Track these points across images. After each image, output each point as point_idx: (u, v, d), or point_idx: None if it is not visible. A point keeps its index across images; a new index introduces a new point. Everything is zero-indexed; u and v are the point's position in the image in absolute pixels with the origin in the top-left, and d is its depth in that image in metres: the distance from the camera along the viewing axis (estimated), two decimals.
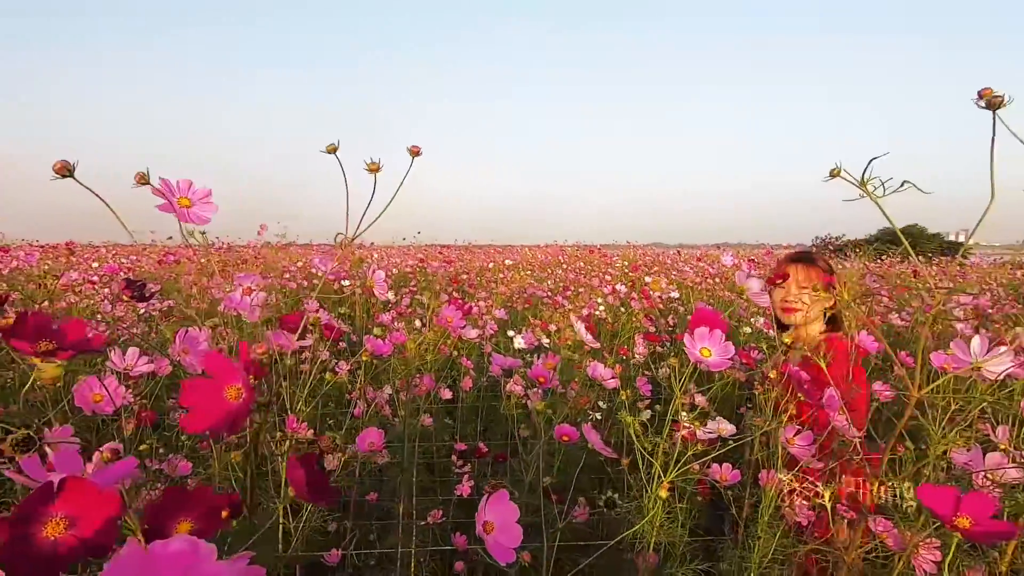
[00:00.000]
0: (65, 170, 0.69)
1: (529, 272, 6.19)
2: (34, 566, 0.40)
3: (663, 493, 0.85)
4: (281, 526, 0.95)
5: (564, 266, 6.75)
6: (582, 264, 6.66)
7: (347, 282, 4.59)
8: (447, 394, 2.38)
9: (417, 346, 1.52)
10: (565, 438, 0.97)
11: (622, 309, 3.94)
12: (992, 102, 0.60)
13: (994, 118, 0.61)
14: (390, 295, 4.44)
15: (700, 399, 2.23)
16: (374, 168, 0.64)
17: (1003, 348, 0.81)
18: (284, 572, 0.98)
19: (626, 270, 5.41)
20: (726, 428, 1.13)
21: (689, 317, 0.86)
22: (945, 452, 1.03)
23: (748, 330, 2.94)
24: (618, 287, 4.07)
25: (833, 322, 1.81)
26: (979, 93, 0.60)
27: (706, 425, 1.12)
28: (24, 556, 0.40)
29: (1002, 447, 1.00)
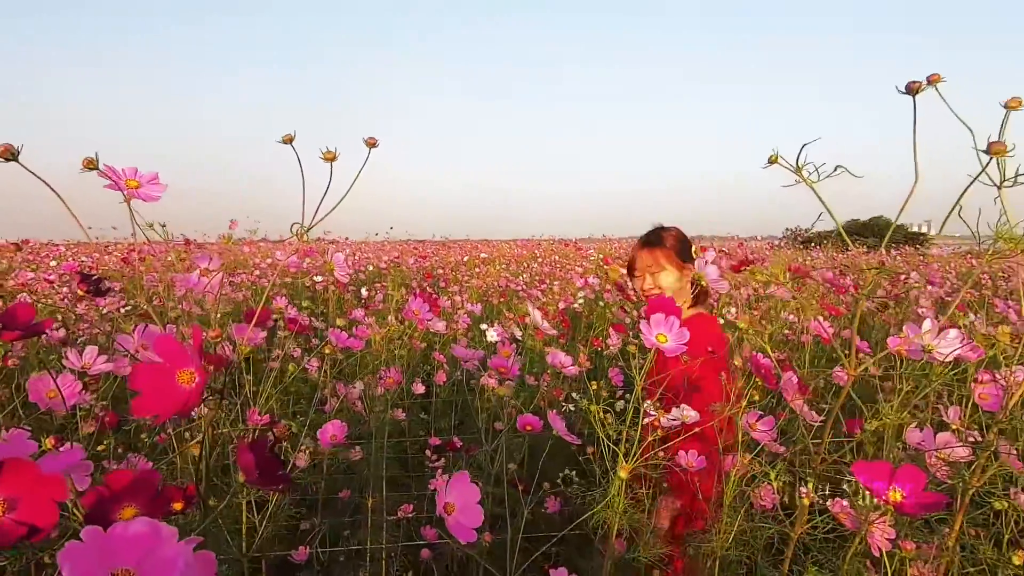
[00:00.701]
0: (8, 153, 0.66)
1: (504, 266, 6.19)
2: None
3: (622, 474, 0.85)
4: (246, 522, 0.93)
5: (539, 260, 6.77)
6: (557, 258, 6.68)
7: (319, 277, 4.53)
8: (420, 388, 2.36)
9: (383, 339, 1.51)
10: (528, 427, 0.98)
11: (599, 303, 3.96)
12: (911, 87, 0.62)
13: (914, 103, 0.63)
14: (363, 291, 4.40)
15: None
16: (330, 157, 0.63)
17: (953, 332, 0.83)
18: (250, 569, 0.96)
19: (599, 263, 5.44)
20: (690, 415, 1.15)
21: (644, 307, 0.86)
22: (900, 433, 1.06)
23: (720, 321, 2.99)
24: (591, 280, 4.09)
25: (700, 299, 1.72)
26: (907, 86, 0.62)
27: (670, 413, 1.13)
28: None
29: (953, 427, 1.04)
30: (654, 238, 1.72)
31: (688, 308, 1.67)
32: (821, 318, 1.54)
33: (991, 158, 0.61)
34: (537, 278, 5.22)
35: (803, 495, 0.83)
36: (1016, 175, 0.60)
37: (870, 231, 14.66)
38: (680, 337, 0.84)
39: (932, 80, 0.62)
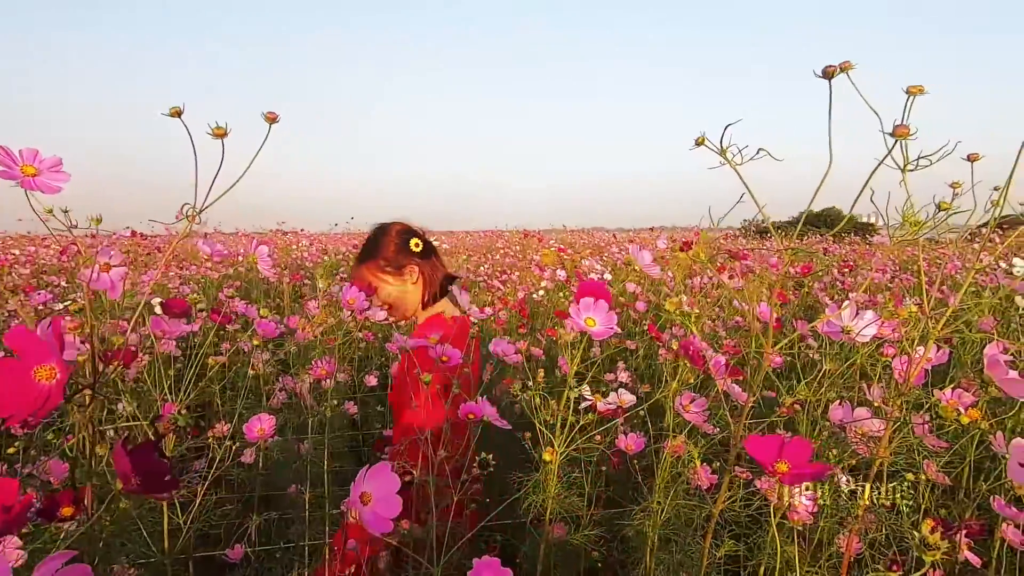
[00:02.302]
0: None
1: (467, 256, 6.16)
2: None
3: (547, 456, 0.86)
4: (168, 523, 0.89)
5: (502, 250, 6.76)
6: (518, 248, 6.69)
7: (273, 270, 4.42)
8: (372, 381, 2.33)
9: (312, 329, 1.47)
10: (470, 415, 0.97)
11: (561, 294, 3.98)
12: (827, 71, 0.63)
13: (830, 87, 0.64)
14: (320, 283, 4.30)
15: (624, 375, 2.29)
16: (220, 133, 0.60)
17: (869, 313, 0.86)
18: (173, 571, 0.92)
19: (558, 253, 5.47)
20: (627, 399, 1.16)
21: (575, 292, 0.86)
22: (825, 410, 1.10)
23: (693, 318, 3.05)
24: (559, 272, 4.12)
25: (435, 296, 1.54)
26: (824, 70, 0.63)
27: (607, 396, 1.14)
28: None
29: (875, 404, 1.08)
30: (363, 251, 1.52)
31: (424, 312, 1.53)
32: (765, 303, 1.58)
33: (896, 141, 0.62)
34: (499, 269, 5.22)
35: (725, 472, 0.85)
36: (919, 158, 0.62)
37: (823, 221, 15.19)
38: (609, 320, 0.84)
39: (843, 67, 0.63)
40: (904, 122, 0.66)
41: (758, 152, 0.66)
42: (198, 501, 0.94)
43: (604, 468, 1.25)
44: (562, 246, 5.61)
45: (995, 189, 0.70)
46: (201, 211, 0.59)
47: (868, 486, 0.77)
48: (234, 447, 0.94)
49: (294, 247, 5.32)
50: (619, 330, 0.82)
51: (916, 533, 0.54)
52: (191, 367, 0.92)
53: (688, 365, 1.08)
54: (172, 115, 0.57)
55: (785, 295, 3.12)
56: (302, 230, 5.35)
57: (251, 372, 1.70)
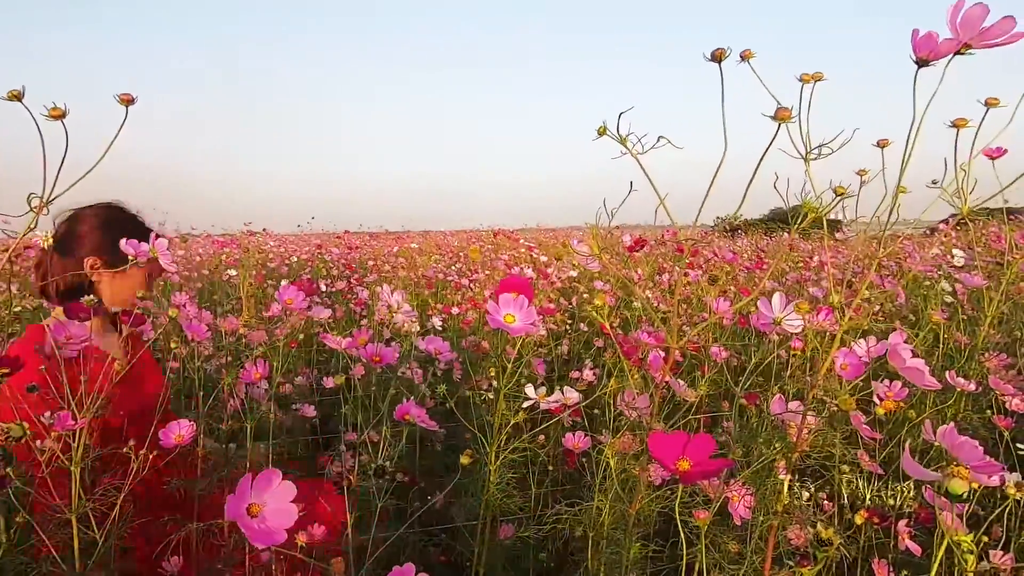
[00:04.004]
0: None
1: (439, 257, 6.11)
2: None
3: (464, 460, 0.84)
4: (78, 539, 0.84)
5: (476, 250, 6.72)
6: (489, 247, 6.67)
7: (234, 271, 4.30)
8: (329, 383, 2.28)
9: (238, 330, 1.43)
10: (407, 416, 0.94)
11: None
12: (715, 55, 0.62)
13: (720, 71, 0.63)
14: (284, 283, 4.21)
15: (588, 374, 2.28)
16: (56, 114, 0.56)
17: (791, 306, 0.86)
18: None
19: (524, 251, 5.46)
20: (572, 397, 1.14)
21: (495, 289, 0.84)
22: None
23: (636, 304, 3.06)
24: (526, 270, 4.11)
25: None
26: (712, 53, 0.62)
27: (552, 395, 1.12)
28: None
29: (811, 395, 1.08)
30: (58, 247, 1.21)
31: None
32: (722, 299, 1.58)
33: (778, 124, 0.61)
34: (470, 267, 5.18)
35: (640, 471, 0.84)
36: (820, 146, 0.61)
37: (794, 219, 15.45)
38: (528, 316, 0.82)
39: (744, 55, 0.62)
40: (792, 109, 0.64)
41: (658, 140, 0.64)
42: (114, 514, 0.89)
43: (551, 468, 1.23)
44: (531, 244, 5.60)
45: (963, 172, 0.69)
46: (49, 202, 0.55)
47: (786, 479, 0.77)
48: (152, 456, 0.89)
49: (258, 248, 5.21)
50: (540, 328, 0.80)
51: (818, 527, 0.53)
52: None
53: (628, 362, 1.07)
54: (10, 98, 0.53)
55: (748, 290, 3.16)
56: (264, 230, 5.24)
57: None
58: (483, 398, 1.29)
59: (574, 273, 4.34)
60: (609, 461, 0.86)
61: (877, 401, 0.79)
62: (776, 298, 0.87)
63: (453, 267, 5.36)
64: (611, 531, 0.95)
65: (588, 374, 2.29)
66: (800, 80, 0.61)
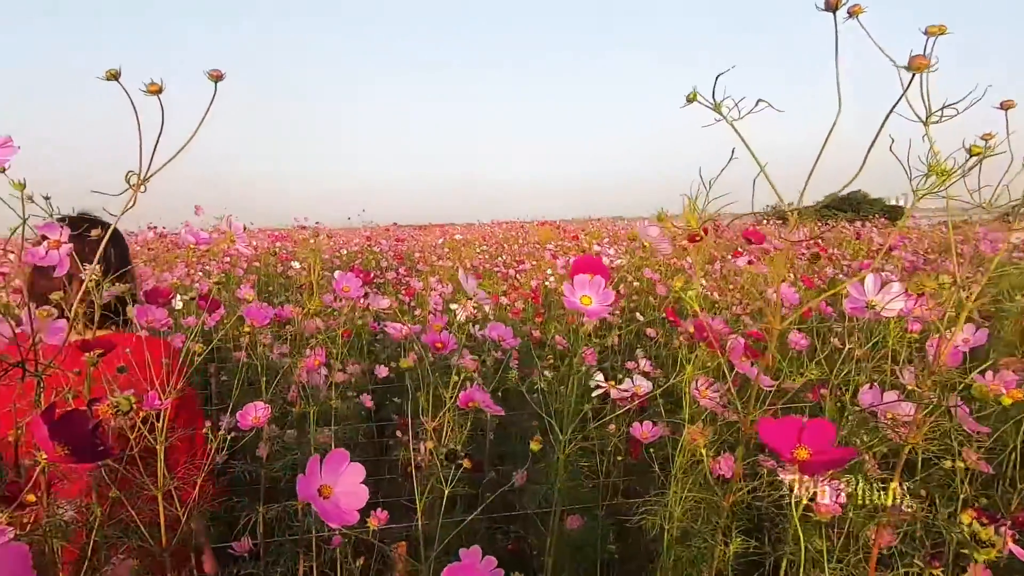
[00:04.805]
0: None
1: (485, 248, 6.13)
2: None
3: (534, 446, 0.81)
4: (164, 515, 0.87)
5: (520, 240, 6.71)
6: (537, 239, 6.63)
7: (297, 263, 4.43)
8: (383, 371, 2.31)
9: (307, 315, 1.44)
10: (471, 404, 0.93)
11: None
12: (830, 3, 0.57)
13: (834, 20, 0.57)
14: (336, 275, 4.31)
15: (644, 363, 2.23)
16: (154, 89, 0.56)
17: (896, 286, 0.79)
18: (176, 563, 0.91)
19: (565, 241, 5.40)
20: (642, 386, 1.11)
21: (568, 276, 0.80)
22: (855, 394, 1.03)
23: (692, 293, 2.97)
24: (569, 258, 4.06)
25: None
26: None
27: (621, 383, 1.09)
28: None
29: (909, 387, 1.00)
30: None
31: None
32: (788, 285, 1.51)
33: (912, 75, 0.55)
34: (516, 259, 5.17)
35: (736, 461, 0.80)
36: (943, 107, 0.55)
37: (848, 205, 14.71)
38: (605, 298, 0.79)
39: (853, 12, 0.56)
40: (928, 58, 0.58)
41: (756, 104, 0.59)
42: (195, 494, 0.91)
43: (620, 458, 1.20)
44: (576, 233, 5.54)
45: None
46: (146, 179, 0.55)
47: (897, 474, 0.71)
48: (230, 438, 0.91)
49: (312, 242, 5.34)
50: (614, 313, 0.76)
51: (962, 527, 0.48)
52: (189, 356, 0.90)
53: (706, 349, 1.02)
54: (108, 78, 0.54)
55: (810, 279, 3.02)
56: (317, 224, 5.37)
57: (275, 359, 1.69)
58: (540, 387, 1.27)
59: (621, 261, 4.26)
60: (699, 450, 0.82)
61: (991, 391, 0.72)
62: (870, 280, 0.80)
63: (499, 258, 5.37)
64: (697, 525, 0.91)
65: (645, 364, 2.24)
66: (925, 33, 0.55)
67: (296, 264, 4.43)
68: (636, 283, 4.04)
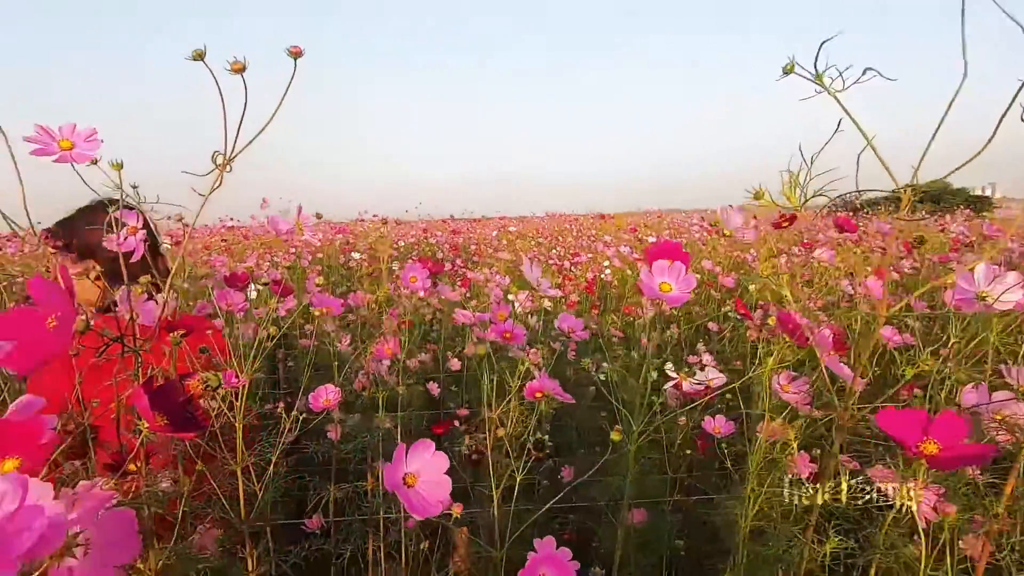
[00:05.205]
0: None
1: (539, 241, 6.11)
2: None
3: (615, 436, 0.78)
4: (243, 489, 0.91)
5: (575, 233, 6.65)
6: (593, 231, 6.55)
7: (357, 254, 4.55)
8: (456, 365, 2.33)
9: (378, 303, 1.46)
10: (538, 394, 0.91)
11: (629, 272, 3.85)
12: None
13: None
14: (395, 266, 4.40)
15: (707, 357, 2.16)
16: (238, 68, 0.57)
17: (1011, 275, 0.72)
18: (252, 536, 0.94)
19: (622, 233, 5.30)
20: (716, 379, 1.06)
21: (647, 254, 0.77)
22: (952, 393, 0.95)
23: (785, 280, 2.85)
24: (622, 249, 3.99)
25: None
26: None
27: (694, 376, 1.05)
28: None
29: (1021, 390, 0.91)
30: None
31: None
32: (875, 279, 1.41)
33: None
34: (571, 251, 5.13)
35: (829, 459, 0.75)
36: None
37: (928, 196, 13.70)
38: (686, 284, 0.75)
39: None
40: None
41: (864, 73, 0.54)
42: (271, 471, 0.95)
43: (689, 452, 1.16)
44: (633, 226, 5.43)
45: None
46: (232, 158, 0.56)
47: (1011, 479, 0.65)
48: (301, 419, 0.94)
49: (381, 228, 5.47)
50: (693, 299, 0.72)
51: None
52: (257, 340, 0.93)
53: (786, 342, 0.96)
54: (195, 58, 0.55)
55: (900, 270, 2.83)
56: (374, 216, 5.50)
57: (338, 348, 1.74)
58: (608, 378, 1.24)
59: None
60: (790, 443, 0.78)
61: None
62: (981, 269, 0.73)
63: (553, 250, 5.34)
64: (778, 522, 0.87)
65: (707, 359, 2.17)
66: None
67: (357, 255, 4.54)
68: (696, 275, 3.92)
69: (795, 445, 0.79)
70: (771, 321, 1.13)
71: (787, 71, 0.57)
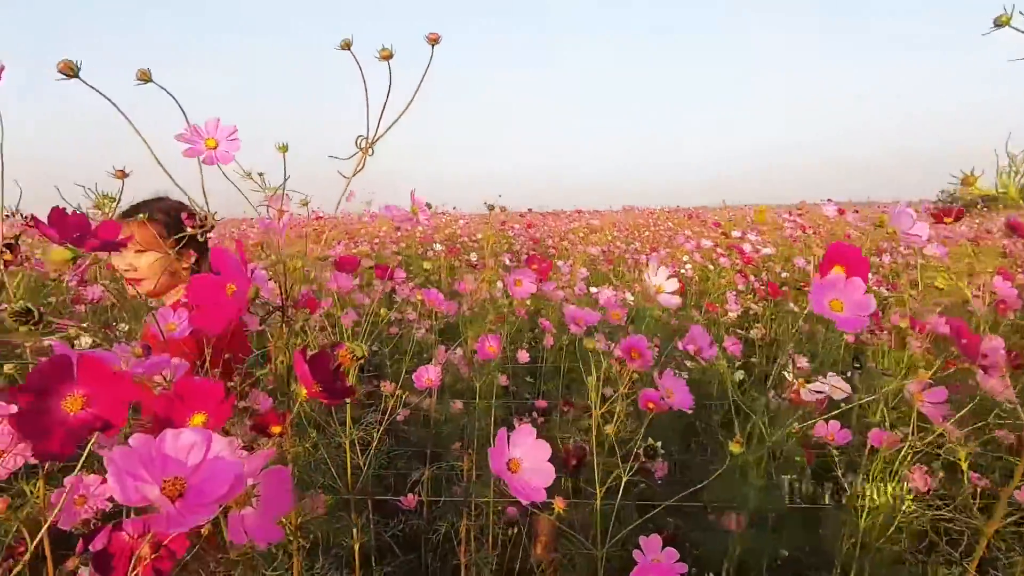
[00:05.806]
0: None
1: (617, 235, 6.01)
2: (47, 434, 0.40)
3: (735, 448, 0.74)
4: (350, 461, 0.95)
5: (653, 228, 6.49)
6: (671, 224, 6.36)
7: (438, 246, 4.66)
8: (524, 357, 2.33)
9: (477, 292, 1.47)
10: (651, 405, 0.88)
11: (710, 267, 3.71)
12: None
13: None
14: (473, 255, 4.46)
15: (803, 363, 2.04)
16: (386, 55, 0.58)
17: None
18: (356, 506, 0.99)
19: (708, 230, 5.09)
20: (841, 387, 0.98)
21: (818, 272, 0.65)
22: None
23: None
24: (703, 242, 3.84)
25: None
26: None
27: (814, 383, 0.98)
28: (39, 425, 0.40)
29: None
30: (139, 212, 1.25)
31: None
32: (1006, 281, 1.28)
33: None
34: (650, 245, 5.01)
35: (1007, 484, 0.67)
36: None
37: None
38: (862, 307, 0.62)
39: None
40: None
41: None
42: (374, 447, 0.98)
43: (798, 459, 1.09)
44: (716, 221, 5.21)
45: None
46: (374, 142, 0.58)
47: None
48: (401, 400, 0.97)
49: (450, 226, 5.59)
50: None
51: None
52: (366, 323, 0.97)
53: (918, 355, 0.88)
54: (343, 48, 0.57)
55: (1011, 274, 2.55)
56: (454, 208, 5.61)
57: (417, 336, 1.80)
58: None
59: (769, 251, 3.93)
60: (879, 459, 0.71)
61: None
62: None
63: (631, 244, 5.23)
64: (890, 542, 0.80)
65: (802, 362, 2.04)
66: None
67: (437, 246, 4.64)
68: (785, 273, 3.71)
69: (964, 463, 0.72)
70: (903, 323, 1.04)
71: (1001, 23, 0.51)
